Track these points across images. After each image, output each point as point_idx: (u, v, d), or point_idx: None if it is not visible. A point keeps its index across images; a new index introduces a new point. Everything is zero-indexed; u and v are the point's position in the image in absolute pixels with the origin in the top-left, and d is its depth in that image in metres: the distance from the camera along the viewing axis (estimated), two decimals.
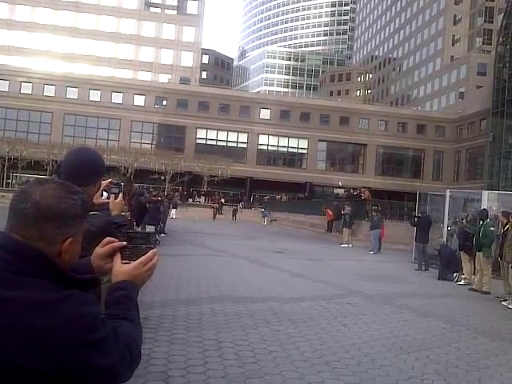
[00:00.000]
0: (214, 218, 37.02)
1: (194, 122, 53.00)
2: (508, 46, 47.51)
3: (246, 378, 4.21)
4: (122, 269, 1.36)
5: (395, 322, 6.91)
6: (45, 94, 50.50)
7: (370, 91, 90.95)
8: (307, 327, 6.14)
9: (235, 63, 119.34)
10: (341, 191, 30.36)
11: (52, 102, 49.71)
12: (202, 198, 49.10)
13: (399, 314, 7.43)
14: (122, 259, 1.38)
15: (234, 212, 39.84)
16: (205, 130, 54.49)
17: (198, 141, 54.55)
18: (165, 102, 54.08)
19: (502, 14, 51.11)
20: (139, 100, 53.08)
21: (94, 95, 51.75)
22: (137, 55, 64.84)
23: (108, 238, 1.41)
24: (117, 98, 52.20)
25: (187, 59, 66.20)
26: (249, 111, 54.80)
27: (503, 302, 9.05)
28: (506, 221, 9.61)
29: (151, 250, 1.39)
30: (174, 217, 28.09)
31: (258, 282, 9.48)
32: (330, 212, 23.24)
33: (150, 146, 52.80)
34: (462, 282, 11.20)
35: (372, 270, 12.81)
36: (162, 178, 46.90)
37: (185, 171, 47.62)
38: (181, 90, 54.94)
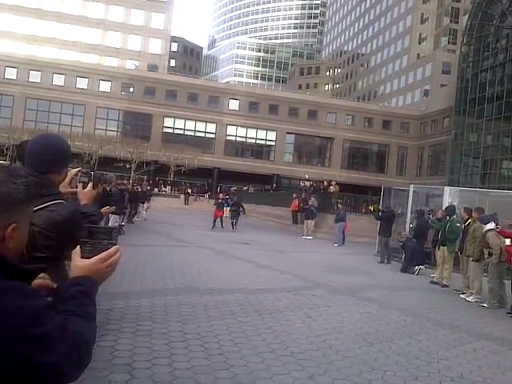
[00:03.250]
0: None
1: (162, 111, 52.23)
2: (472, 47, 48.85)
3: (211, 370, 4.20)
4: (80, 264, 1.32)
5: (359, 313, 7.04)
6: (6, 76, 48.63)
7: (338, 86, 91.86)
8: (273, 319, 6.17)
9: (205, 52, 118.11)
10: (309, 183, 30.53)
11: (13, 85, 47.95)
12: (169, 187, 48.58)
13: (363, 306, 7.57)
14: (82, 254, 1.34)
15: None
16: (172, 119, 53.80)
17: (165, 130, 53.81)
18: (131, 89, 53.02)
19: (467, 15, 52.48)
20: (105, 86, 51.80)
21: (58, 79, 50.15)
22: (103, 40, 63.14)
23: None
24: (82, 83, 50.77)
25: (155, 46, 65.00)
26: (217, 101, 54.40)
27: (462, 295, 9.36)
28: (467, 217, 9.92)
29: (114, 246, 1.35)
30: (144, 214, 22.70)
31: (224, 274, 9.46)
32: (296, 202, 23.36)
33: (115, 133, 51.61)
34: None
35: (336, 262, 13.00)
36: (128, 166, 46.07)
37: (151, 160, 46.92)
38: (148, 78, 53.96)
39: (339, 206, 19.82)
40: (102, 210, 2.89)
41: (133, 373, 4.01)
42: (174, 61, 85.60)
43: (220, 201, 21.56)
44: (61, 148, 2.12)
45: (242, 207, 22.09)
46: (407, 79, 66.60)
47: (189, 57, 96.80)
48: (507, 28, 44.54)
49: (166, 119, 53.56)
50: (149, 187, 28.95)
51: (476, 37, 48.04)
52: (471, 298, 9.05)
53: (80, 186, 2.39)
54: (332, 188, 24.42)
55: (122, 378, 3.89)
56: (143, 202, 22.19)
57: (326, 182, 25.76)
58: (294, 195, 24.68)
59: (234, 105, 54.96)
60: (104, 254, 1.33)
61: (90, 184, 2.42)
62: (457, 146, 48.43)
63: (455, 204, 12.36)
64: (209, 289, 7.70)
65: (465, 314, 7.82)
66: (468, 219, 9.84)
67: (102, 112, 51.76)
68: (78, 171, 2.42)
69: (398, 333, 6.10)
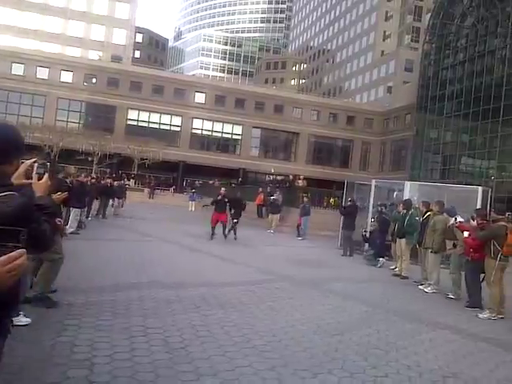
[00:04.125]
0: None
1: (126, 103, 51.24)
2: (434, 45, 50.13)
3: (173, 364, 4.18)
4: None
5: (321, 305, 7.16)
6: None
7: (304, 81, 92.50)
8: (236, 312, 6.19)
9: (170, 44, 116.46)
10: (277, 178, 30.63)
11: None
12: (132, 181, 47.80)
13: (325, 298, 7.69)
14: None
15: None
16: (136, 111, 52.88)
17: (129, 122, 52.85)
18: (94, 80, 51.74)
19: (430, 14, 53.78)
20: (67, 76, 50.31)
21: (17, 69, 48.35)
22: (65, 29, 61.30)
23: None
24: (42, 73, 49.13)
25: (120, 37, 63.59)
26: (183, 94, 53.82)
27: (420, 286, 9.65)
28: (426, 210, 10.23)
29: (17, 250, 1.25)
30: (119, 209, 21.24)
31: (188, 268, 9.42)
32: (260, 197, 23.45)
33: (77, 125, 50.30)
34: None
35: (300, 256, 13.15)
36: (90, 159, 44.98)
37: (114, 153, 46.01)
38: (112, 68, 52.78)
39: (304, 199, 20.01)
40: (54, 196, 2.81)
41: (92, 368, 3.94)
42: (138, 52, 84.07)
43: (220, 198, 15.01)
44: (12, 138, 2.05)
45: (242, 205, 16.51)
46: (371, 76, 67.76)
47: (154, 48, 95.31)
48: (467, 28, 45.92)
49: (130, 111, 52.59)
50: (126, 182, 26.43)
51: (438, 35, 49.31)
52: (429, 288, 9.35)
53: (35, 177, 2.32)
54: (300, 182, 24.65)
55: (82, 374, 3.83)
56: (119, 198, 21.14)
57: (292, 177, 25.96)
58: (260, 189, 24.75)
59: (200, 98, 54.50)
60: (4, 257, 1.22)
61: (46, 176, 2.36)
62: (418, 142, 49.69)
63: (415, 198, 12.70)
64: (172, 283, 7.65)
65: (422, 305, 8.07)
66: (426, 212, 10.15)
67: (64, 103, 50.31)
68: (33, 162, 2.35)
69: (359, 324, 6.24)
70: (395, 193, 16.14)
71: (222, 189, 15.90)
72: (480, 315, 7.37)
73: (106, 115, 52.25)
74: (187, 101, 53.65)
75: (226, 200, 15.23)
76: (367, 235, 14.17)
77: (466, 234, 8.25)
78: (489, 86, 41.06)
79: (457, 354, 5.38)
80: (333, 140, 58.65)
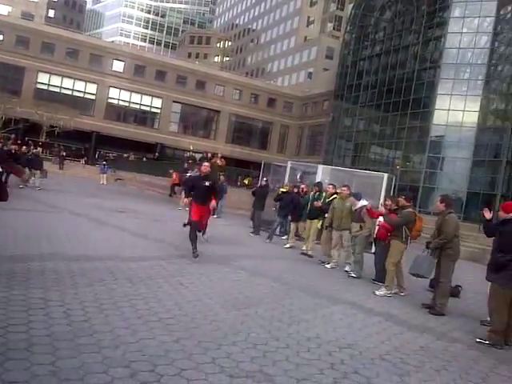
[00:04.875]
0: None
1: (36, 64, 47.75)
2: (353, 35, 51.94)
3: (73, 336, 4.04)
4: None
5: (230, 281, 7.28)
6: None
7: (228, 59, 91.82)
8: (144, 286, 6.11)
9: (89, 6, 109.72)
10: (196, 155, 30.14)
11: None
12: (40, 149, 44.86)
13: (234, 274, 7.83)
14: None
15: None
16: (47, 75, 49.48)
17: (39, 86, 49.41)
18: (1, 37, 47.52)
19: (352, 4, 55.51)
20: None
21: None
22: None
23: None
24: None
25: None
26: (100, 61, 51.19)
27: (326, 265, 10.15)
28: (332, 192, 10.76)
29: None
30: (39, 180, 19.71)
31: (95, 241, 9.09)
32: (174, 176, 23.12)
33: None
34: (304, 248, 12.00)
35: (213, 233, 13.20)
36: None
37: (20, 118, 42.85)
38: (22, 26, 48.75)
39: (221, 178, 20.03)
40: None
41: None
42: (52, 11, 78.44)
43: (207, 182, 9.06)
44: None
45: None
46: (293, 60, 68.87)
47: (70, 9, 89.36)
48: (385, 21, 48.07)
49: (40, 74, 49.12)
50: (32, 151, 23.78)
51: (358, 26, 51.13)
52: (330, 265, 10.03)
53: None
54: (219, 162, 24.57)
55: None
56: (36, 168, 19.54)
57: (210, 155, 25.84)
58: (171, 170, 24.24)
59: (118, 66, 52.20)
60: None
61: None
62: (333, 129, 51.64)
63: (326, 181, 13.23)
64: (78, 256, 7.35)
65: (326, 282, 8.50)
66: (333, 194, 10.69)
67: None
68: None
69: (265, 298, 6.43)
70: (298, 174, 16.72)
71: (205, 164, 9.39)
72: (377, 292, 7.92)
73: (13, 76, 48.39)
74: (104, 68, 51.15)
75: (210, 184, 8.88)
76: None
77: (381, 218, 8.80)
78: (400, 79, 43.52)
79: (353, 326, 5.75)
80: (253, 121, 59.14)
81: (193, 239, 8.61)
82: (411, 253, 8.23)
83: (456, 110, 38.98)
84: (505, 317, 5.78)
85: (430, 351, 5.20)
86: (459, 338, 5.94)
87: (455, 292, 8.47)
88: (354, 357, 4.63)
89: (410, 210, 8.29)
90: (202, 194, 8.84)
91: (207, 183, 8.80)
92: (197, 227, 8.92)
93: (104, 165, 32.05)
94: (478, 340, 5.83)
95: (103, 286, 5.81)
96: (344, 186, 10.55)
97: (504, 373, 4.89)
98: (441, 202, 7.30)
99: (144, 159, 47.66)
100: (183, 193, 20.07)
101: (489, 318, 6.38)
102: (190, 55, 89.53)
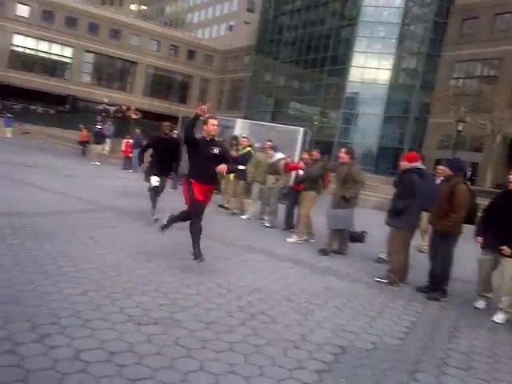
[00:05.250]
0: None
1: None
2: None
3: None
4: None
5: (143, 234, 7.19)
6: None
7: (145, 7, 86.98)
8: (49, 241, 5.86)
9: None
10: (110, 108, 28.62)
11: None
12: None
13: (148, 228, 7.73)
14: None
15: None
16: None
17: None
18: None
19: None
20: None
21: None
22: None
23: None
24: None
25: None
26: (2, 4, 46.39)
27: (242, 217, 10.37)
28: (246, 144, 10.88)
29: None
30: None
31: None
32: (84, 132, 22.07)
33: None
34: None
35: (127, 187, 12.90)
36: None
37: None
38: None
39: (137, 131, 19.40)
40: None
41: None
42: None
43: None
44: None
45: None
46: (214, 11, 66.80)
47: None
48: None
49: None
50: None
51: None
52: (245, 216, 10.40)
53: None
54: (133, 115, 23.72)
55: None
56: None
57: (124, 107, 24.81)
58: (82, 126, 23.09)
59: (23, 11, 47.70)
60: None
61: None
62: (254, 84, 51.46)
63: (244, 135, 13.25)
64: None
65: (240, 232, 8.69)
66: (246, 147, 10.83)
67: None
68: None
69: (179, 250, 6.44)
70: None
71: (211, 121, 5.98)
72: (288, 239, 8.25)
73: None
74: (6, 12, 46.50)
75: (220, 152, 5.88)
76: None
77: (300, 172, 9.09)
78: (319, 36, 43.99)
79: (264, 272, 5.96)
80: (172, 74, 57.26)
81: (195, 234, 5.79)
82: (321, 202, 8.62)
83: (370, 68, 40.32)
84: (402, 258, 6.28)
85: (333, 291, 5.55)
86: (360, 279, 6.38)
87: (360, 237, 9.04)
88: (261, 299, 4.81)
89: (321, 163, 8.69)
90: (207, 167, 5.63)
91: (216, 150, 5.79)
92: (200, 211, 5.96)
93: (9, 117, 29.77)
94: (376, 279, 6.30)
95: (3, 242, 5.49)
96: (268, 140, 10.66)
97: (398, 307, 5.35)
98: (346, 154, 7.63)
99: (51, 111, 44.72)
100: (94, 146, 19.21)
101: (382, 256, 7.00)
102: (104, 1, 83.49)
